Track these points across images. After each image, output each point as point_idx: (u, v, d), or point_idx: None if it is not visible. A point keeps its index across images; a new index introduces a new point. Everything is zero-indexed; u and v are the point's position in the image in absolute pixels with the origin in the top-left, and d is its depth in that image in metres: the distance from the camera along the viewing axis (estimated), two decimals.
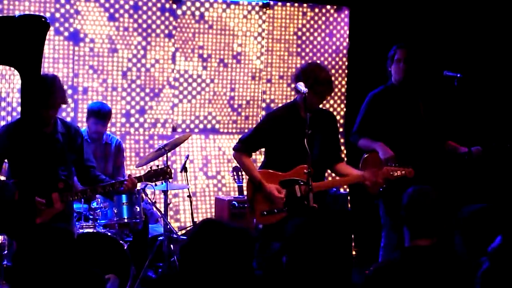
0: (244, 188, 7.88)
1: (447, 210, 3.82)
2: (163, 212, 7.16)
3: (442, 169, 6.86)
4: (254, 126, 6.65)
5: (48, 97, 5.20)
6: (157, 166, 5.97)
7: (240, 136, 7.02)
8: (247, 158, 6.09)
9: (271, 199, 5.88)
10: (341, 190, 8.43)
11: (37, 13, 7.20)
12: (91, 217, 6.65)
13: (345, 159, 8.06)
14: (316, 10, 9.04)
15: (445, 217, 3.80)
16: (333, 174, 6.44)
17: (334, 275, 3.55)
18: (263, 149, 6.31)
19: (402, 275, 3.64)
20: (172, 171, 6.15)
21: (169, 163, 6.86)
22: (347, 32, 9.14)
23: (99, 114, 7.12)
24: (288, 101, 8.79)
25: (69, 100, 7.83)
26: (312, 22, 9.03)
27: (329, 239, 3.36)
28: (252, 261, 3.21)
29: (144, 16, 8.29)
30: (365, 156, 6.54)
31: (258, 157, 8.30)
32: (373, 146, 6.48)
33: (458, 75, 6.55)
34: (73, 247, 3.45)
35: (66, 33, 7.95)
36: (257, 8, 8.80)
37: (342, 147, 8.09)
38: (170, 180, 6.97)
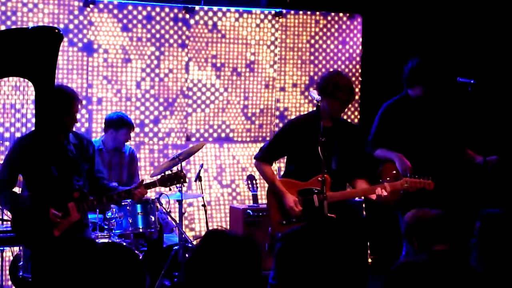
0: (259, 197, 7.90)
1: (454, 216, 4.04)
2: (178, 222, 7.17)
3: (460, 179, 6.81)
4: (274, 134, 6.64)
5: (70, 104, 5.35)
6: (171, 171, 6.03)
7: (254, 144, 7.03)
8: (268, 167, 6.09)
9: (287, 210, 5.90)
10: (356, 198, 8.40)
11: (50, 25, 7.27)
12: (106, 227, 6.66)
13: None
14: (329, 18, 9.04)
15: (453, 222, 4.00)
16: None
17: (349, 284, 3.53)
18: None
19: (426, 275, 3.71)
20: (185, 174, 6.19)
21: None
22: (360, 40, 9.14)
23: (130, 123, 7.23)
24: (302, 109, 8.89)
25: (83, 111, 7.92)
26: (325, 30, 9.04)
27: (329, 248, 3.33)
28: (260, 271, 3.19)
29: (158, 26, 8.32)
30: (382, 166, 6.49)
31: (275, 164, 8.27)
32: (390, 157, 6.41)
33: (472, 81, 6.52)
34: (98, 257, 3.47)
35: (79, 44, 7.99)
36: (270, 17, 8.81)
37: None
38: (185, 184, 6.97)
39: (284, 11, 8.86)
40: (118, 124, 7.25)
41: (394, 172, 6.33)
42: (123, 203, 6.64)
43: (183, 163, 7.17)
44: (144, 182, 5.81)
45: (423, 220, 4.09)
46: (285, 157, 6.36)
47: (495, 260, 3.92)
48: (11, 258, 6.81)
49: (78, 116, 7.86)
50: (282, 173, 6.55)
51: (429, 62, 6.55)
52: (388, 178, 6.13)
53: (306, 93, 8.92)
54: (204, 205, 7.77)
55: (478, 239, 4.02)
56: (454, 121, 6.62)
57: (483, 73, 7.81)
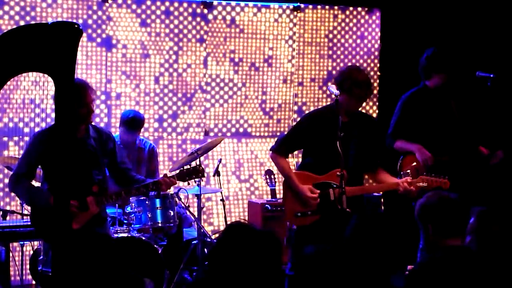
0: (277, 192, 7.91)
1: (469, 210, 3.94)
2: (196, 216, 7.18)
3: (477, 173, 6.78)
4: (292, 126, 6.61)
5: (83, 95, 5.33)
6: (189, 165, 6.03)
7: (272, 139, 6.99)
8: (283, 159, 6.07)
9: (304, 200, 5.87)
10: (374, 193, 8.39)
11: (69, 20, 7.29)
12: (125, 221, 6.69)
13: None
14: (347, 12, 9.03)
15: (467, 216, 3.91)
16: (371, 180, 6.42)
17: (373, 278, 3.57)
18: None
19: (446, 272, 3.68)
20: (203, 168, 6.17)
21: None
22: (379, 34, 9.11)
23: (129, 124, 7.18)
24: (320, 103, 8.88)
25: (102, 106, 7.93)
26: (343, 24, 9.02)
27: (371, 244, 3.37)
28: (280, 264, 3.21)
29: (176, 21, 8.33)
30: (402, 159, 6.49)
31: (290, 160, 8.28)
32: (411, 148, 6.43)
33: (491, 76, 6.49)
34: (113, 252, 3.48)
35: (98, 39, 8.02)
36: (288, 11, 8.81)
37: None
38: (203, 179, 6.96)
39: (302, 5, 8.85)
40: (120, 122, 7.28)
41: (414, 164, 6.33)
42: (142, 198, 6.66)
43: (202, 158, 7.18)
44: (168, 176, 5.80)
45: (441, 204, 3.96)
46: (302, 150, 6.33)
47: None
48: (31, 252, 6.86)
49: (98, 111, 7.97)
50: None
51: (446, 49, 6.54)
52: (408, 171, 6.12)
53: (324, 88, 8.91)
54: (222, 200, 7.79)
55: None
56: (470, 112, 6.61)
57: (503, 68, 7.77)
